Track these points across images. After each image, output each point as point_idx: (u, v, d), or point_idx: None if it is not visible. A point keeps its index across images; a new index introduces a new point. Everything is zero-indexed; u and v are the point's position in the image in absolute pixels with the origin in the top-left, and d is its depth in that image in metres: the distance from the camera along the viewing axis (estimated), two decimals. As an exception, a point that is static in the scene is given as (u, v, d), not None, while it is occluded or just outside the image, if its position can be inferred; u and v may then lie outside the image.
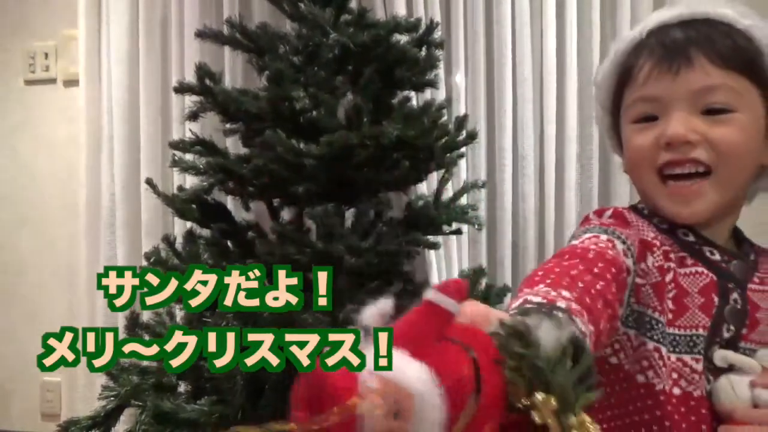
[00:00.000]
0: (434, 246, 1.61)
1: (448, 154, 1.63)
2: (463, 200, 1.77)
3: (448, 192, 1.84)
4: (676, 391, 0.72)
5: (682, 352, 0.73)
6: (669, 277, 0.74)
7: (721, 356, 0.73)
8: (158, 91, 2.21)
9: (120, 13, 2.20)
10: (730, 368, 0.73)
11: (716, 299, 0.75)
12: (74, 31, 2.29)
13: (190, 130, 1.71)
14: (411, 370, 0.29)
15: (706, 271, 0.76)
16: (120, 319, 2.22)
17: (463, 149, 1.71)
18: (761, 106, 0.76)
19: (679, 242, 0.78)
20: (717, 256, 0.78)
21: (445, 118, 1.67)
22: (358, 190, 1.55)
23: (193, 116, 1.60)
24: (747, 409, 0.70)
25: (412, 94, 1.80)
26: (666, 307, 0.73)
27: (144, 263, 1.62)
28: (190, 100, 1.63)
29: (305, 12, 1.58)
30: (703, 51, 0.74)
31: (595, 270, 0.63)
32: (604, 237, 0.71)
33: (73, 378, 2.29)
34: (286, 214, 1.72)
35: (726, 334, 0.75)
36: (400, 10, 1.98)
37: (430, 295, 0.33)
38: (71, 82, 2.36)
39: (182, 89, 1.60)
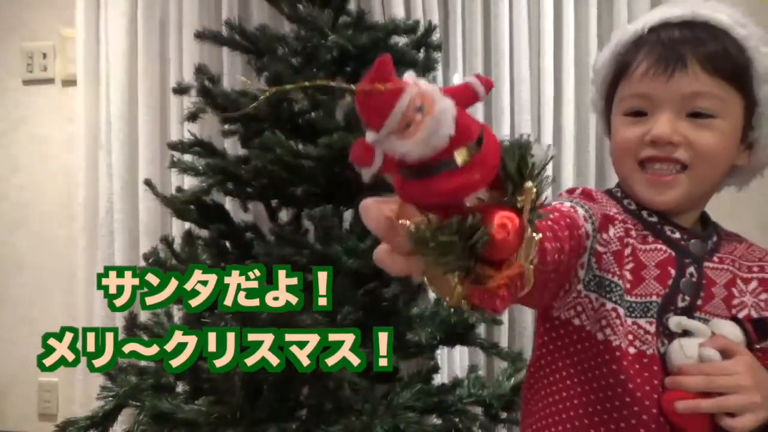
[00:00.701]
0: (432, 247, 1.61)
1: (446, 156, 1.63)
2: (461, 202, 1.77)
3: (446, 193, 1.84)
4: (632, 350, 0.80)
5: (638, 317, 0.81)
6: (628, 250, 0.81)
7: (676, 322, 0.80)
8: (157, 92, 2.21)
9: (118, 14, 2.20)
10: (684, 333, 0.80)
11: (673, 272, 0.82)
12: (72, 31, 2.29)
13: (189, 131, 1.71)
14: (442, 95, 0.38)
15: (665, 248, 0.83)
16: (118, 321, 2.21)
17: (461, 151, 1.72)
18: (741, 113, 0.82)
19: (642, 222, 0.85)
20: (677, 235, 0.85)
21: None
22: (357, 191, 1.56)
23: (192, 117, 1.60)
24: (692, 364, 0.78)
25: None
26: (625, 276, 0.80)
27: (142, 264, 1.62)
28: (188, 101, 1.63)
29: (304, 14, 1.58)
30: (698, 57, 0.79)
31: (551, 216, 0.69)
32: (567, 204, 0.77)
33: (70, 378, 2.28)
34: (284, 215, 1.73)
35: (681, 303, 0.82)
36: (399, 13, 1.99)
37: (468, 78, 0.42)
38: (69, 82, 2.36)
39: (181, 90, 1.60)
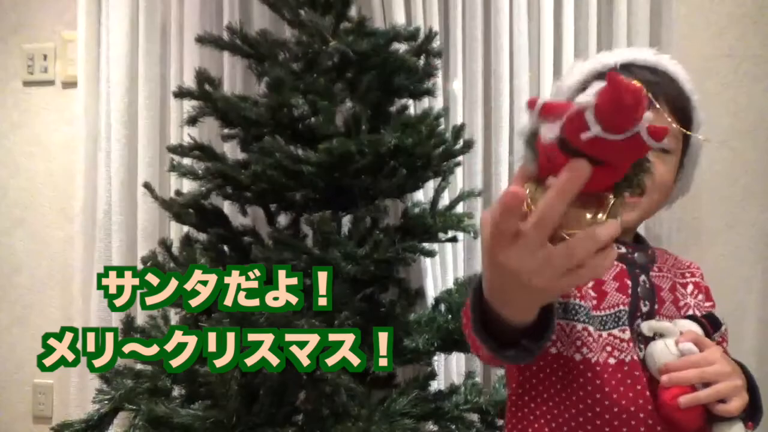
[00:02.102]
0: (430, 254, 1.61)
1: (445, 162, 1.63)
2: (459, 208, 1.78)
3: (445, 200, 1.84)
4: (611, 361, 0.85)
5: (611, 328, 0.87)
6: None
7: (648, 326, 0.87)
8: (157, 95, 2.21)
9: (119, 16, 2.21)
10: (653, 337, 0.87)
11: (629, 282, 0.91)
12: (73, 34, 2.29)
13: (189, 134, 1.72)
14: None
15: (616, 263, 0.91)
16: (115, 324, 2.21)
17: (460, 157, 1.72)
18: (680, 154, 0.95)
19: None
20: (623, 249, 0.94)
21: (442, 126, 1.68)
22: (355, 197, 1.56)
23: (192, 121, 1.60)
24: (678, 360, 0.83)
25: (410, 102, 1.80)
26: (588, 294, 0.88)
27: (140, 267, 1.62)
28: (189, 105, 1.63)
29: (305, 19, 1.59)
30: (665, 97, 0.91)
31: None
32: None
33: (65, 380, 2.28)
34: (283, 220, 1.73)
35: (644, 309, 0.90)
36: (399, 19, 1.99)
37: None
38: (70, 84, 2.36)
39: (181, 94, 1.61)
